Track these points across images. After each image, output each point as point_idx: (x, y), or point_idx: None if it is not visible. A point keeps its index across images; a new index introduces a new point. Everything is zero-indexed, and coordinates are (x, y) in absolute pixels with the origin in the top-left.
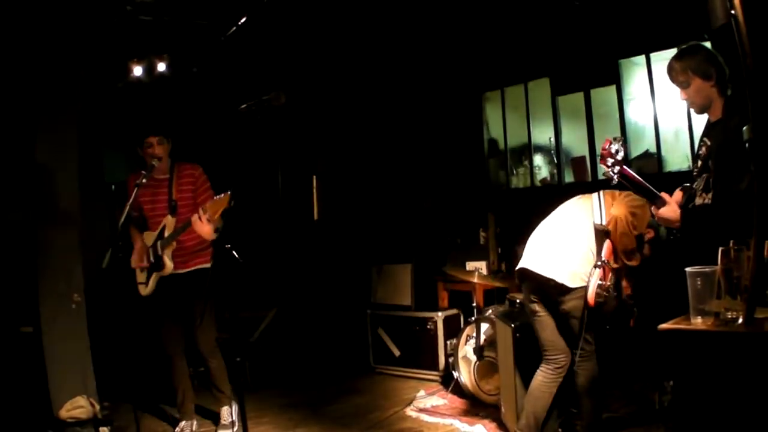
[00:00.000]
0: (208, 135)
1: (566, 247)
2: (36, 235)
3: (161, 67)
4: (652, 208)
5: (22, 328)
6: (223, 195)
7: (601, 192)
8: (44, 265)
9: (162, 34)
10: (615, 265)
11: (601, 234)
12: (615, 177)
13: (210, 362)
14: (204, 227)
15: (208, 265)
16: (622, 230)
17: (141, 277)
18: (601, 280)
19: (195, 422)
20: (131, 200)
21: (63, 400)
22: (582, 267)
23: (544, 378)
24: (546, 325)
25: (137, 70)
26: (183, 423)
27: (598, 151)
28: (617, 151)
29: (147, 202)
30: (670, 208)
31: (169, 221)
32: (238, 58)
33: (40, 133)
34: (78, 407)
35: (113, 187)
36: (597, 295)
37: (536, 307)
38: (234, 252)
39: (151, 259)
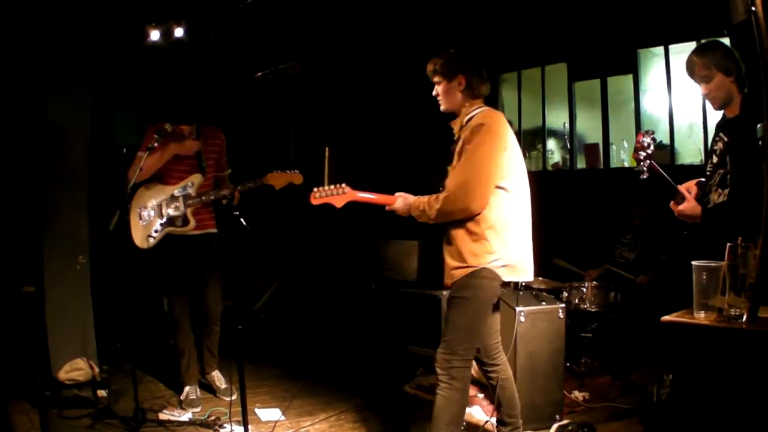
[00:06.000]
0: (222, 102)
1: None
2: (43, 195)
3: (178, 32)
4: (671, 203)
5: (24, 287)
6: (295, 172)
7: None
8: (50, 225)
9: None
10: None
11: None
12: (645, 170)
13: (214, 326)
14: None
15: (215, 230)
16: None
17: (148, 229)
18: None
19: (198, 388)
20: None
21: (62, 362)
22: None
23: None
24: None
25: (154, 35)
26: (188, 388)
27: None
28: (648, 145)
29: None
30: (690, 204)
31: (197, 179)
32: (255, 26)
33: (53, 91)
34: (77, 369)
35: (124, 150)
36: None
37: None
38: (242, 220)
39: (170, 212)
